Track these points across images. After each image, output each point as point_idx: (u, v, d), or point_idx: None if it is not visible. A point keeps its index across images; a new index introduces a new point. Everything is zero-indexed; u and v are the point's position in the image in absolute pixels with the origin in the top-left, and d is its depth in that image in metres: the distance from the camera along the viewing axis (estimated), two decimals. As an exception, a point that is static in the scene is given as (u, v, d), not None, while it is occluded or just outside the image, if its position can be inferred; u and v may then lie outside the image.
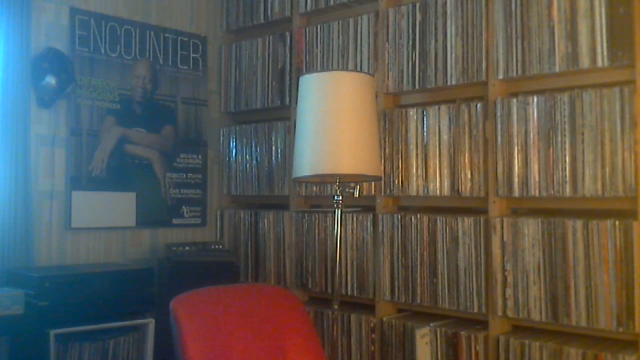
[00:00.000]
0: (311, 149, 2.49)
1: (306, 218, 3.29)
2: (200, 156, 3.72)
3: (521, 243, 2.53)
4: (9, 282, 2.78)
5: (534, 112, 2.53)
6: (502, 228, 2.58)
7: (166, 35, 3.60)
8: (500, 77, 2.64)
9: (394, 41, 2.99)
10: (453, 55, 2.78)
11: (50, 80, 3.04)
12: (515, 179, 2.57)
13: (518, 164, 2.57)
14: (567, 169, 2.44)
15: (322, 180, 2.75)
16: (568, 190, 2.43)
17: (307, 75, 2.56)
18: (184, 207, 3.63)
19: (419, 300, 2.83)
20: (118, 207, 3.34)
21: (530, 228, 2.51)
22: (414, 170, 2.88)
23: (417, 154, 2.88)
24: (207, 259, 3.25)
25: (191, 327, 2.32)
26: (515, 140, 2.57)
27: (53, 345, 2.60)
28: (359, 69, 3.10)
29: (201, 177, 3.72)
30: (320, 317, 3.17)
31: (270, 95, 3.53)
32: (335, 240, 2.60)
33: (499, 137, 2.62)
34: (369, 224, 3.03)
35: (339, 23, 3.20)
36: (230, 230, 3.69)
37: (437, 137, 2.81)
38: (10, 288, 2.65)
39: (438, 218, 2.77)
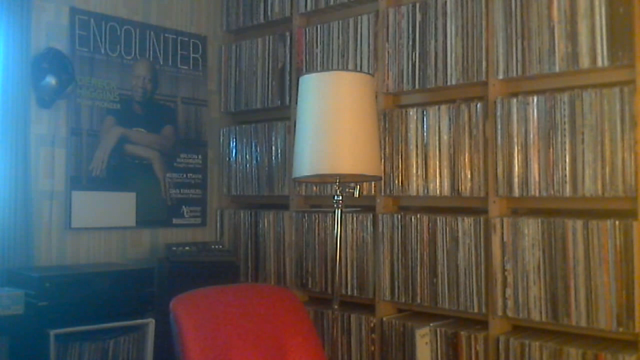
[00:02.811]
0: (311, 149, 2.48)
1: (306, 218, 3.29)
2: (200, 156, 3.72)
3: (521, 243, 2.53)
4: (9, 282, 2.78)
5: (534, 112, 2.53)
6: (502, 228, 2.58)
7: (166, 35, 3.60)
8: (500, 77, 2.64)
9: (394, 41, 2.99)
10: (453, 55, 2.78)
11: (50, 80, 3.03)
12: (515, 179, 2.57)
13: (518, 164, 2.57)
14: (567, 169, 2.44)
15: (322, 180, 2.75)
16: (568, 190, 2.43)
17: (307, 75, 2.56)
18: (184, 207, 3.63)
19: (419, 300, 2.83)
20: (118, 207, 3.34)
21: (530, 228, 2.51)
22: (414, 170, 2.88)
23: (417, 154, 2.88)
24: (207, 259, 3.25)
25: (191, 327, 2.32)
26: (515, 140, 2.57)
27: (53, 345, 2.60)
28: (359, 69, 3.10)
29: (201, 177, 3.72)
30: (320, 317, 3.17)
31: (270, 95, 3.53)
32: (335, 240, 2.60)
33: (499, 137, 2.62)
34: (369, 224, 3.03)
35: (339, 23, 3.20)
36: (230, 230, 3.69)
37: (437, 137, 2.81)
38: (10, 288, 2.65)
39: (438, 218, 2.77)
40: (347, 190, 2.66)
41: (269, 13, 3.56)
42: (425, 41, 2.88)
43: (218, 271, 3.20)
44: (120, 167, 3.35)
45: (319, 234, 3.23)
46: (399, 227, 2.90)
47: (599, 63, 2.37)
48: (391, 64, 3.00)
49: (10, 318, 2.53)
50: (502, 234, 2.58)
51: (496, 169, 2.62)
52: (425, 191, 2.84)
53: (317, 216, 3.24)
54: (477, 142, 2.70)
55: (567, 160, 2.44)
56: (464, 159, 2.73)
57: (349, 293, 3.08)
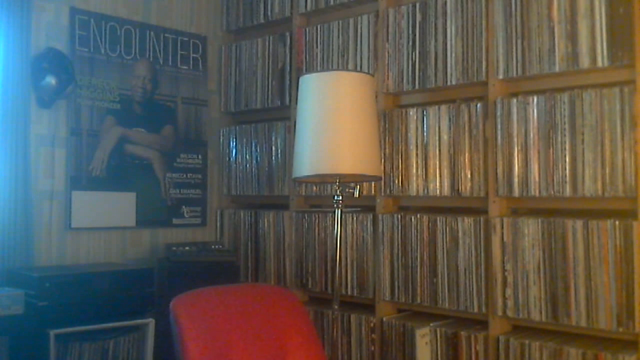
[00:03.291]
0: (311, 149, 2.48)
1: (306, 218, 3.29)
2: (200, 156, 3.72)
3: (521, 243, 2.53)
4: (9, 282, 2.78)
5: (534, 112, 2.53)
6: (502, 228, 2.58)
7: (166, 35, 3.60)
8: (500, 77, 2.64)
9: (394, 41, 2.99)
10: (453, 55, 2.78)
11: (50, 80, 3.03)
12: (515, 179, 2.57)
13: (518, 164, 2.57)
14: (567, 169, 2.44)
15: (322, 180, 2.75)
16: (568, 190, 2.43)
17: (307, 75, 2.56)
18: (184, 207, 3.63)
19: (419, 300, 2.83)
20: (118, 207, 3.34)
21: (530, 228, 2.51)
22: (414, 170, 2.88)
23: (417, 154, 2.88)
24: (207, 259, 3.25)
25: (191, 327, 2.32)
26: (515, 140, 2.57)
27: (53, 345, 2.60)
28: (359, 69, 3.10)
29: (201, 177, 3.72)
30: (320, 317, 3.17)
31: (270, 95, 3.53)
32: (335, 240, 2.60)
33: (499, 137, 2.62)
34: (369, 224, 3.03)
35: (339, 23, 3.20)
36: (230, 230, 3.69)
37: (437, 137, 2.81)
38: (10, 288, 2.65)
39: (438, 218, 2.77)
40: (347, 190, 2.66)
41: (269, 13, 3.56)
42: (425, 41, 2.88)
43: (218, 271, 3.20)
44: (120, 167, 3.35)
45: (319, 234, 3.23)
46: (399, 227, 2.90)
47: (599, 63, 2.37)
48: (391, 64, 3.00)
49: (10, 318, 2.53)
50: (502, 234, 2.58)
51: (496, 169, 2.62)
52: (425, 191, 2.84)
53: (317, 216, 3.24)
54: (477, 142, 2.70)
55: (567, 160, 2.44)
56: (464, 159, 2.73)
57: (349, 293, 3.08)
